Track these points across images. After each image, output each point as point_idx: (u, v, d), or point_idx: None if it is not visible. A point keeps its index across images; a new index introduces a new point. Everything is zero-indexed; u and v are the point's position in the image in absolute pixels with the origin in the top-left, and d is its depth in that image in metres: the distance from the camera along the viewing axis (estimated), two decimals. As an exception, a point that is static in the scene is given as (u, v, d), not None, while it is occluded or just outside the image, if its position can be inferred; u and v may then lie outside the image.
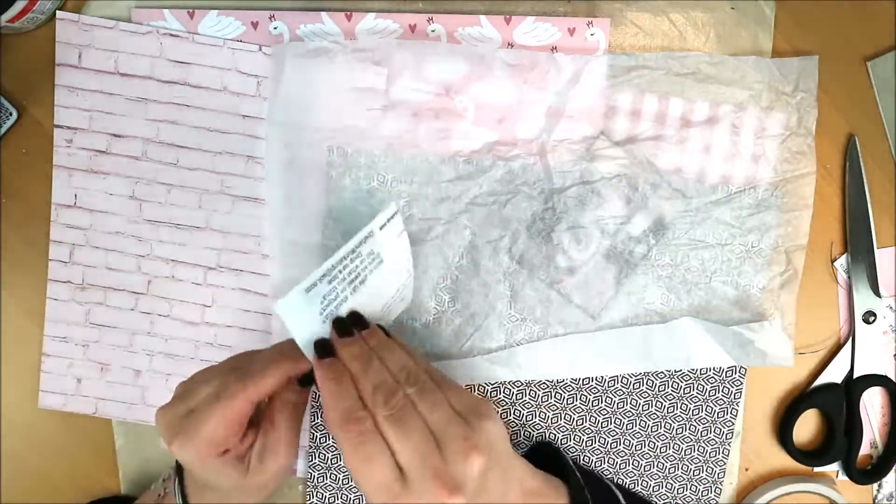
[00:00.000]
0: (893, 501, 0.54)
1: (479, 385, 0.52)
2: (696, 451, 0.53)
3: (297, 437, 0.43)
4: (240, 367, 0.40)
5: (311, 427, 0.53)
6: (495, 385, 0.52)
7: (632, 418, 0.53)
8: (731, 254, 0.51)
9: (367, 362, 0.38)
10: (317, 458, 0.53)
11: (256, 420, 0.42)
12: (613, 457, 0.53)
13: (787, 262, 0.51)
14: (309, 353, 0.39)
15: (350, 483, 0.54)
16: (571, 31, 0.50)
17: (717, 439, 0.53)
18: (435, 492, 0.35)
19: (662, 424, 0.53)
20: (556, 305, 0.51)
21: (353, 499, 0.54)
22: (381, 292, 0.43)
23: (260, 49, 0.50)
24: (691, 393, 0.53)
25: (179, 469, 0.45)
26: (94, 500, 0.53)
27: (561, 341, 0.51)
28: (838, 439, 0.53)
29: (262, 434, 0.42)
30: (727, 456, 0.53)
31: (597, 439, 0.53)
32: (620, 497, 0.45)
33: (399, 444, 0.35)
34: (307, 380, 0.41)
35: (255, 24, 0.50)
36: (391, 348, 0.39)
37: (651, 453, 0.53)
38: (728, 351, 0.51)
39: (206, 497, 0.43)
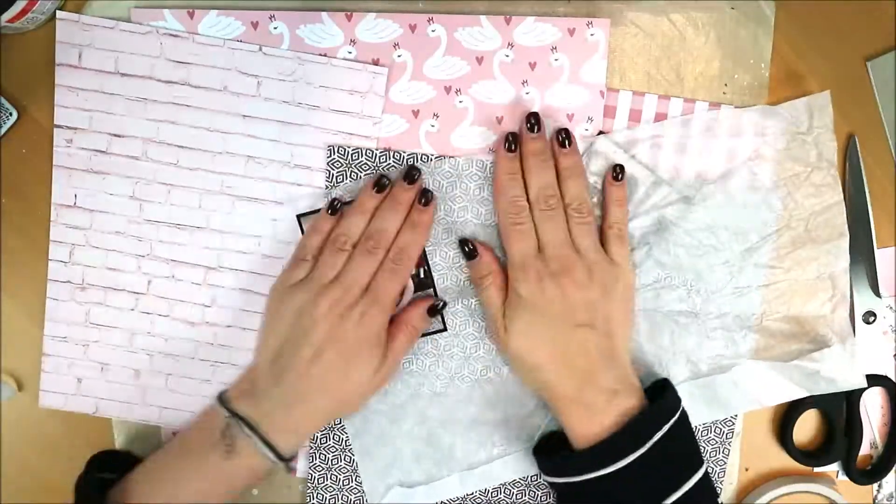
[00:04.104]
0: (893, 501, 0.54)
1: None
2: (697, 452, 0.53)
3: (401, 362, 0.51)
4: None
5: (311, 427, 0.53)
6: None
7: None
8: (778, 292, 0.51)
9: (544, 162, 0.48)
10: (317, 459, 0.53)
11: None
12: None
13: (832, 287, 0.51)
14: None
15: (350, 483, 0.54)
16: (571, 32, 0.50)
17: (717, 439, 0.53)
18: (558, 268, 0.46)
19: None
20: None
21: (353, 500, 0.54)
22: None
23: (260, 49, 0.50)
24: (691, 393, 0.53)
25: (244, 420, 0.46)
26: (95, 454, 0.51)
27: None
28: (838, 439, 0.53)
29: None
30: (727, 456, 0.53)
31: None
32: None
33: (546, 235, 0.47)
34: (434, 310, 0.50)
35: (255, 24, 0.50)
36: (574, 167, 0.48)
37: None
38: (797, 383, 0.51)
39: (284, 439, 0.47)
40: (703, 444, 0.53)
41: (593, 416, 0.45)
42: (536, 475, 0.53)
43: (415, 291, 0.51)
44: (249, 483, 0.48)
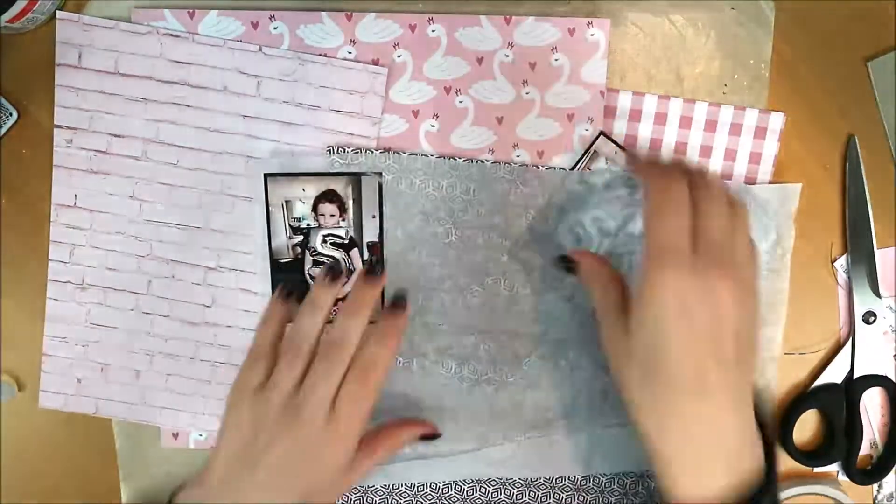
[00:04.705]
0: (893, 501, 0.54)
1: (457, 482, 0.53)
2: (696, 452, 0.53)
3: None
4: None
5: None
6: (471, 483, 0.53)
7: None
8: None
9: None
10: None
11: None
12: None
13: (761, 372, 0.52)
14: None
15: (350, 483, 0.54)
16: (571, 32, 0.50)
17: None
18: (713, 263, 0.36)
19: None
20: (553, 304, 0.51)
21: (353, 500, 0.54)
22: None
23: (260, 49, 0.50)
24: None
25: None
26: None
27: (536, 442, 0.52)
28: (838, 439, 0.53)
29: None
30: (727, 456, 0.54)
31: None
32: None
33: (706, 217, 0.37)
34: (429, 437, 0.50)
35: (255, 24, 0.50)
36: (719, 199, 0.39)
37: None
38: None
39: None
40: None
41: (704, 478, 0.36)
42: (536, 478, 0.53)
43: (365, 274, 0.46)
44: None
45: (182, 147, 0.51)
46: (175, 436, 0.54)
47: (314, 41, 0.50)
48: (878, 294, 0.52)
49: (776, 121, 0.51)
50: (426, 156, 0.51)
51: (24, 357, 0.53)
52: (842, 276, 0.53)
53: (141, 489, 0.54)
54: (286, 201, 0.50)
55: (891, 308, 0.53)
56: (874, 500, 0.55)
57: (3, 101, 0.51)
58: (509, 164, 0.51)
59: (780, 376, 0.53)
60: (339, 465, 0.42)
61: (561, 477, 0.53)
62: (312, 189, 0.50)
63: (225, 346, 0.53)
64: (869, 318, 0.52)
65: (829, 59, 0.51)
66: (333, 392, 0.42)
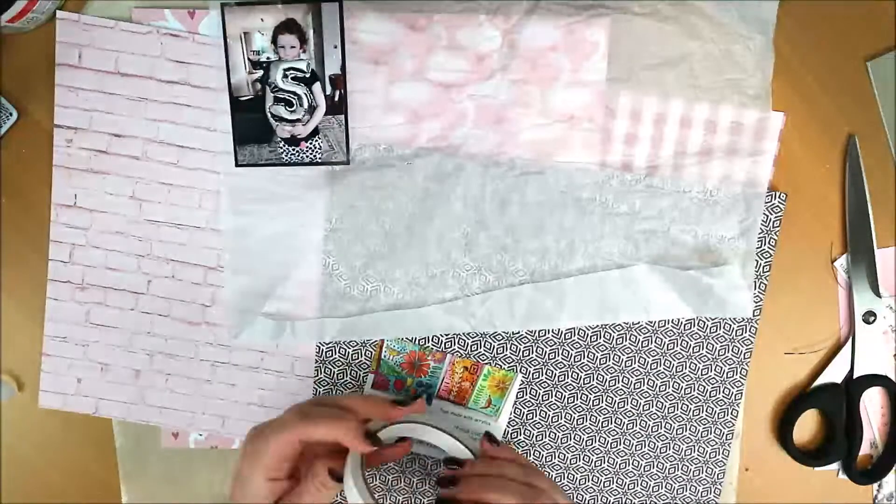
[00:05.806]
0: (893, 501, 0.54)
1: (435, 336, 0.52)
2: (696, 452, 0.53)
3: None
4: (308, 411, 0.45)
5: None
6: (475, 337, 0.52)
7: (632, 418, 0.53)
8: (690, 202, 0.51)
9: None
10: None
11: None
12: (613, 456, 0.53)
13: (745, 210, 0.51)
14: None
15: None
16: (571, 31, 0.50)
17: (717, 439, 0.53)
18: None
19: (662, 425, 0.53)
20: (511, 253, 0.51)
21: (353, 499, 0.54)
22: None
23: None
24: (692, 394, 0.53)
25: None
26: None
27: (517, 291, 0.51)
28: (838, 439, 0.53)
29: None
30: (727, 456, 0.54)
31: (597, 438, 0.53)
32: None
33: None
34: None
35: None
36: None
37: (651, 453, 0.53)
38: (687, 300, 0.51)
39: None
40: (703, 445, 0.53)
41: None
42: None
43: (325, 115, 0.49)
44: None
45: (182, 147, 0.51)
46: (175, 436, 0.54)
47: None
48: (878, 294, 0.52)
49: (776, 121, 0.51)
50: (426, 150, 0.51)
51: (24, 357, 0.53)
52: (842, 276, 0.53)
53: (141, 489, 0.54)
54: (244, 33, 0.49)
55: (891, 308, 0.53)
56: (874, 500, 0.55)
57: (3, 101, 0.51)
58: (509, 164, 0.51)
59: (780, 376, 0.53)
60: None
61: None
62: (271, 19, 0.48)
63: (225, 346, 0.53)
64: (869, 317, 0.52)
65: (829, 59, 0.51)
66: None
